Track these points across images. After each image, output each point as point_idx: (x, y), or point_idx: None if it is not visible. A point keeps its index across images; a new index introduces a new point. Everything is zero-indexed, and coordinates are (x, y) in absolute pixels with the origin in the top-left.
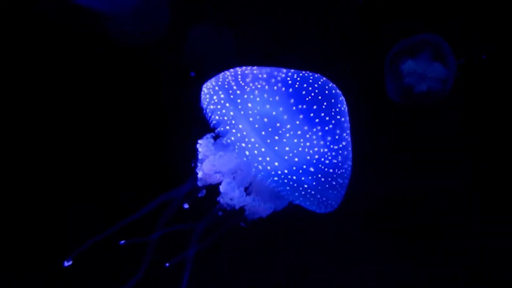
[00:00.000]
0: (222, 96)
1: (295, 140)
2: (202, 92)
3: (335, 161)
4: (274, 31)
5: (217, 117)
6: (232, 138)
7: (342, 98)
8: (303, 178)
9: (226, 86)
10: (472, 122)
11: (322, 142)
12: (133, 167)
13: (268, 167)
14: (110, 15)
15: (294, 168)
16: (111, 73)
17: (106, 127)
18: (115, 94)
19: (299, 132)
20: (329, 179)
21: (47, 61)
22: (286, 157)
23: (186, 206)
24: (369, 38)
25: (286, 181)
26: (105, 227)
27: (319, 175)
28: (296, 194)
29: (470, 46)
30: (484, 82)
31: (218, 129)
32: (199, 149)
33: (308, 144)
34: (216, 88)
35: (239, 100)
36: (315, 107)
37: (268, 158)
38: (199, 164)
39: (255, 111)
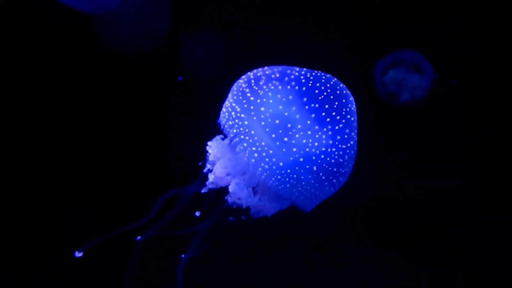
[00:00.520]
0: (238, 109)
1: (304, 141)
2: (222, 112)
3: (341, 160)
4: (273, 35)
5: (234, 130)
6: (245, 144)
7: (352, 98)
8: (302, 177)
9: (241, 97)
10: (471, 122)
11: (331, 142)
12: (134, 169)
13: (273, 167)
14: (105, 18)
15: (297, 168)
16: (110, 75)
17: (107, 129)
18: (116, 96)
19: (309, 132)
20: (330, 177)
21: (49, 62)
22: (291, 158)
23: (197, 213)
24: (368, 38)
25: (287, 179)
26: (106, 227)
27: (320, 174)
28: (294, 190)
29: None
30: (483, 82)
31: (232, 137)
32: (209, 151)
33: (316, 144)
34: (234, 104)
35: (252, 107)
36: (327, 106)
37: (274, 159)
38: (208, 165)
39: (268, 114)
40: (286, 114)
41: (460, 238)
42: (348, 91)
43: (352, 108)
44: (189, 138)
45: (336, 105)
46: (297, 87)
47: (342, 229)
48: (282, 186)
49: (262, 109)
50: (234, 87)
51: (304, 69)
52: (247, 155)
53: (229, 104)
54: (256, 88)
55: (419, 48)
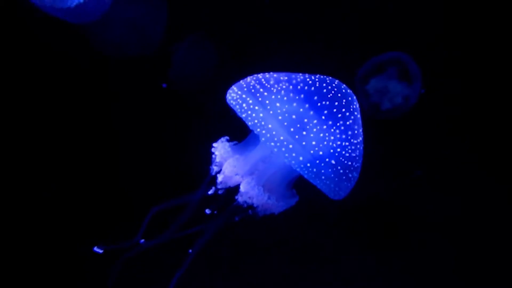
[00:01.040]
0: (250, 101)
1: (321, 135)
2: (229, 102)
3: (354, 154)
4: (265, 44)
5: (250, 123)
6: (263, 139)
7: (355, 97)
8: (323, 171)
9: (253, 91)
10: (458, 130)
11: (344, 136)
12: (138, 173)
13: (293, 162)
14: (99, 23)
15: (318, 161)
16: (106, 79)
17: (107, 133)
18: (113, 101)
19: (324, 127)
20: (347, 171)
21: (51, 65)
22: (312, 151)
23: (208, 211)
24: (353, 46)
25: (307, 172)
26: (110, 229)
27: (339, 167)
28: (317, 181)
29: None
30: (472, 89)
31: (254, 131)
32: (216, 152)
33: (332, 138)
34: (244, 95)
35: (267, 101)
36: (336, 103)
37: (294, 154)
38: (214, 167)
39: (284, 109)
40: (301, 110)
41: (448, 244)
42: (351, 91)
43: (357, 106)
44: (192, 142)
45: (344, 102)
46: (306, 87)
47: (336, 233)
48: (312, 177)
49: (278, 104)
50: (242, 83)
51: (306, 74)
52: (266, 148)
53: (238, 96)
54: (268, 86)
55: (404, 55)
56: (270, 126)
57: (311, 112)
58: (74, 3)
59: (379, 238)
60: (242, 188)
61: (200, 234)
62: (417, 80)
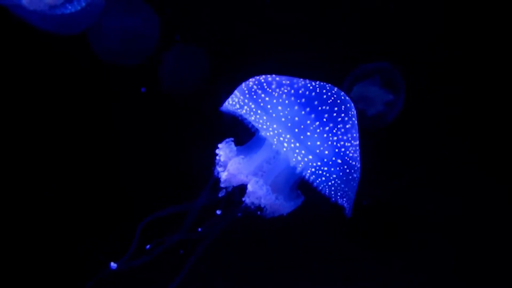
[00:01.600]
0: (252, 106)
1: (325, 135)
2: (229, 106)
3: (356, 155)
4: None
5: (256, 126)
6: (271, 140)
7: (353, 104)
8: (332, 169)
9: (254, 96)
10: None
11: (345, 137)
12: (141, 176)
13: (305, 159)
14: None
15: (325, 160)
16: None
17: (107, 138)
18: (118, 102)
19: (326, 128)
20: (352, 171)
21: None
22: (317, 151)
23: (218, 212)
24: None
25: (319, 172)
26: (116, 229)
27: (345, 167)
28: (326, 184)
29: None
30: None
31: (259, 133)
32: (220, 153)
33: (335, 138)
34: (246, 100)
35: (269, 106)
36: (336, 108)
37: (303, 152)
38: (218, 168)
39: (286, 112)
40: (302, 113)
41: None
42: (349, 98)
43: (354, 113)
44: (192, 143)
45: (343, 108)
46: (307, 92)
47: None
48: (315, 178)
49: (280, 108)
50: (243, 86)
51: (306, 79)
52: (274, 147)
53: (240, 100)
54: (270, 90)
55: (389, 62)
56: (275, 126)
57: (313, 115)
58: (68, 11)
59: (379, 238)
60: (250, 188)
61: (205, 236)
62: (400, 88)
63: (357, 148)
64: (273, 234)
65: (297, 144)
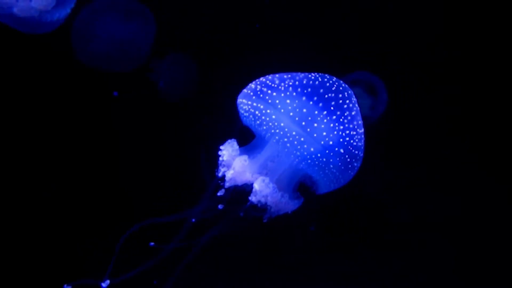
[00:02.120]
0: (261, 107)
1: (331, 125)
2: (241, 112)
3: (360, 144)
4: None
5: (264, 127)
6: (277, 137)
7: (352, 91)
8: (331, 160)
9: (261, 95)
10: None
11: (351, 126)
12: (143, 180)
13: (305, 153)
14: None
15: (327, 151)
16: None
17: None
18: (118, 102)
19: (334, 117)
20: (353, 160)
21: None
22: (322, 142)
23: (220, 206)
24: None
25: (317, 162)
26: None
27: (346, 156)
28: (321, 173)
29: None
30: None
31: (264, 134)
32: (223, 152)
33: (341, 127)
34: (254, 103)
35: (277, 101)
36: (340, 95)
37: (305, 146)
38: (222, 168)
39: (294, 105)
40: (310, 103)
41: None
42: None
43: (355, 100)
44: (192, 143)
45: (347, 95)
46: (311, 82)
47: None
48: (311, 168)
49: (288, 101)
50: (248, 91)
51: (304, 72)
52: (279, 146)
53: (249, 106)
54: (275, 86)
55: (371, 69)
56: (282, 124)
57: (320, 104)
58: (56, 17)
59: (379, 238)
60: (256, 186)
61: (206, 237)
62: (381, 91)
63: (362, 136)
64: (273, 234)
65: (302, 139)
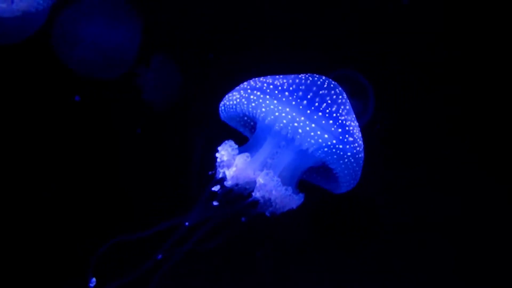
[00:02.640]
0: (260, 94)
1: (334, 115)
2: (236, 106)
3: (360, 134)
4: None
5: (262, 115)
6: (281, 124)
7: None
8: (347, 146)
9: (258, 86)
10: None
11: (349, 117)
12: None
13: (320, 140)
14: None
15: (341, 137)
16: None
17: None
18: (118, 102)
19: (334, 108)
20: (360, 149)
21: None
22: (332, 129)
23: (219, 206)
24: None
25: (334, 150)
26: (116, 229)
27: (356, 145)
28: (341, 162)
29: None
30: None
31: (266, 121)
32: (222, 152)
33: (343, 118)
34: (254, 91)
35: (276, 91)
36: (332, 92)
37: (319, 132)
38: (221, 168)
39: (295, 96)
40: (309, 96)
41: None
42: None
43: (346, 96)
44: (192, 144)
45: (338, 91)
46: (302, 81)
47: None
48: (330, 157)
49: (287, 94)
50: (243, 85)
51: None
52: (288, 132)
53: (243, 97)
54: (272, 81)
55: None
56: (288, 110)
57: (317, 99)
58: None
59: (379, 238)
60: (261, 180)
61: (209, 233)
62: (368, 93)
63: (358, 128)
64: (272, 234)
65: (313, 125)
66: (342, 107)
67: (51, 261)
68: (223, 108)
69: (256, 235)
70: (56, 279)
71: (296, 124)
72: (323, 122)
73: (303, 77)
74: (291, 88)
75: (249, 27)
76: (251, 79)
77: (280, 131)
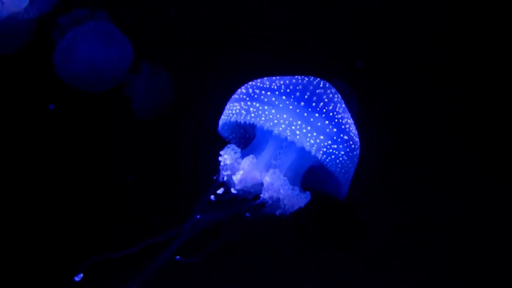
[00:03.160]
0: (258, 105)
1: (331, 114)
2: (231, 117)
3: (356, 132)
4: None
5: (261, 122)
6: (280, 129)
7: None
8: (341, 146)
9: (255, 96)
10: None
11: (345, 115)
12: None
13: (317, 141)
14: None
15: (335, 138)
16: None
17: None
18: (118, 101)
19: (330, 107)
20: (356, 147)
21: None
22: (327, 130)
23: (212, 197)
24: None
25: (330, 151)
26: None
27: (351, 143)
28: (337, 161)
29: None
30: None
31: (265, 127)
32: (225, 156)
33: (339, 116)
34: (249, 103)
35: (273, 98)
36: (328, 91)
37: (315, 134)
38: (224, 172)
39: (291, 99)
40: (306, 97)
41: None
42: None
43: (340, 95)
44: (192, 143)
45: (334, 91)
46: (299, 81)
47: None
48: (325, 157)
49: (284, 97)
50: (237, 95)
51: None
52: (288, 135)
53: (241, 108)
54: (268, 86)
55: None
56: (285, 116)
57: (314, 98)
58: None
59: (379, 238)
60: (268, 179)
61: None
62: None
63: (354, 126)
64: (272, 234)
65: (309, 128)
66: (338, 105)
67: (51, 261)
68: (221, 121)
69: (256, 235)
70: (56, 279)
71: (293, 127)
72: (319, 124)
73: (299, 78)
74: (288, 90)
75: (249, 27)
76: (248, 82)
77: (280, 135)
